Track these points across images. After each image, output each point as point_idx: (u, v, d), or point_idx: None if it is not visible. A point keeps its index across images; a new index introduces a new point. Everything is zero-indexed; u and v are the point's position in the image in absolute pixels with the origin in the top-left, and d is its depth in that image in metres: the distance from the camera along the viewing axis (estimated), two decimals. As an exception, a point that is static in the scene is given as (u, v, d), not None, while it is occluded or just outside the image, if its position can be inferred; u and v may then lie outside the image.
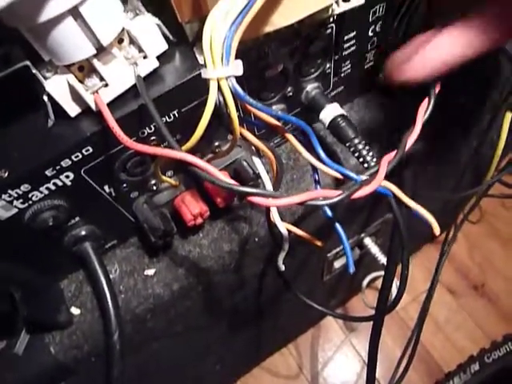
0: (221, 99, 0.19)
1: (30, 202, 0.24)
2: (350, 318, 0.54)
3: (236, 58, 0.18)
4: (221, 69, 0.18)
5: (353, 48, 0.31)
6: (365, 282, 0.76)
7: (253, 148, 0.25)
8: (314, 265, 0.54)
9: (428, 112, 0.24)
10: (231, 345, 0.54)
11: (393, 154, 0.22)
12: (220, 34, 0.18)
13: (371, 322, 0.38)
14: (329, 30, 0.28)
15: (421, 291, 0.95)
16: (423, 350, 0.91)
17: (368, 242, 0.57)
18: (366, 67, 0.34)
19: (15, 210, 0.24)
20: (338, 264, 0.60)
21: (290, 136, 0.22)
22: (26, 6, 0.18)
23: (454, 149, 0.47)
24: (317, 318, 0.88)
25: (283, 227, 0.24)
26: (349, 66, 0.32)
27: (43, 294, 0.30)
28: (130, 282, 0.32)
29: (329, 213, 0.24)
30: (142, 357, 0.34)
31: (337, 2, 0.23)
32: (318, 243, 0.27)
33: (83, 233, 0.28)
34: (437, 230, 0.23)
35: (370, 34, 0.31)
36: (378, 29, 0.31)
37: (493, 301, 0.94)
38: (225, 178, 0.19)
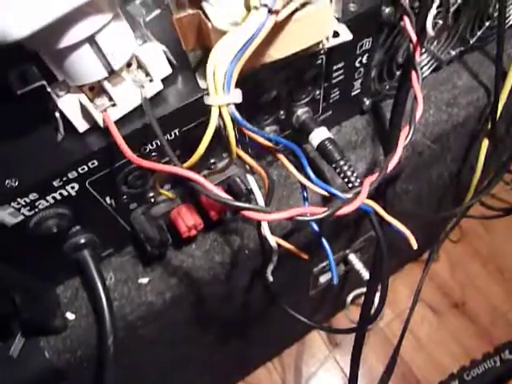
0: (220, 123, 0.21)
1: (36, 210, 0.26)
2: (333, 331, 0.55)
3: (235, 86, 0.21)
4: (222, 97, 0.20)
5: (341, 77, 0.33)
6: (349, 298, 0.78)
7: (246, 166, 0.27)
8: (301, 279, 0.56)
9: (408, 138, 0.26)
10: (217, 356, 0.55)
11: (375, 175, 0.25)
12: (222, 66, 0.20)
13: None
14: (319, 61, 0.30)
15: (404, 309, 0.97)
16: (405, 366, 0.93)
17: (353, 258, 0.59)
18: (352, 94, 0.36)
19: (21, 217, 0.26)
20: (323, 279, 0.62)
21: (281, 156, 0.24)
22: (48, 33, 0.20)
23: (434, 171, 0.50)
24: (302, 332, 0.89)
25: (273, 240, 0.26)
26: (337, 92, 0.35)
27: (40, 298, 0.31)
28: (124, 290, 0.33)
29: (315, 228, 0.26)
30: (131, 363, 0.35)
31: (327, 38, 0.26)
32: (305, 256, 0.29)
33: (82, 240, 0.30)
34: (413, 243, 0.25)
35: (357, 64, 0.33)
36: (364, 60, 0.33)
37: (473, 319, 0.97)
38: (221, 193, 0.21)
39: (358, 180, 0.31)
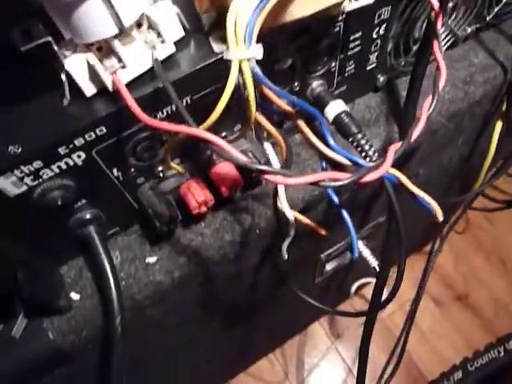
0: (240, 80, 0.20)
1: (40, 180, 0.24)
2: (343, 313, 0.54)
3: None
4: (243, 50, 0.18)
5: (357, 48, 0.32)
6: (353, 288, 0.77)
7: (262, 136, 0.25)
8: (307, 266, 0.54)
9: (432, 107, 0.25)
10: (222, 342, 0.54)
11: (399, 144, 0.23)
12: (244, 18, 0.19)
13: (357, 331, 0.38)
14: (337, 29, 0.29)
15: (406, 300, 0.96)
16: (407, 358, 0.92)
17: (360, 245, 0.58)
18: (368, 68, 0.35)
19: (25, 188, 0.24)
20: (329, 267, 0.61)
21: (301, 122, 0.23)
22: (56, -19, 0.18)
23: (446, 154, 0.49)
24: (307, 320, 0.88)
25: (290, 213, 0.24)
26: (353, 66, 0.33)
27: (44, 277, 0.30)
28: (131, 269, 0.32)
29: (335, 199, 0.25)
30: (137, 344, 0.34)
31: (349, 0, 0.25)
32: (322, 232, 0.27)
33: (88, 216, 0.29)
34: (439, 213, 0.24)
35: (374, 35, 0.32)
36: (381, 31, 0.32)
37: (476, 311, 0.96)
38: (241, 155, 0.19)
39: (376, 154, 0.30)
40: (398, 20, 0.33)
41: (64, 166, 0.24)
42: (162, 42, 0.24)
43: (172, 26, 0.24)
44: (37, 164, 0.23)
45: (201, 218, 0.33)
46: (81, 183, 0.26)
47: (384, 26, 0.32)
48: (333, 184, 0.20)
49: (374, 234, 0.59)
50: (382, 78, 0.37)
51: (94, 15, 0.20)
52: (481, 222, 1.05)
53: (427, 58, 0.31)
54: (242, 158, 0.19)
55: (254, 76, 0.19)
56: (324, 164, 0.26)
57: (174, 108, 0.26)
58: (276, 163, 0.24)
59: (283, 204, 0.24)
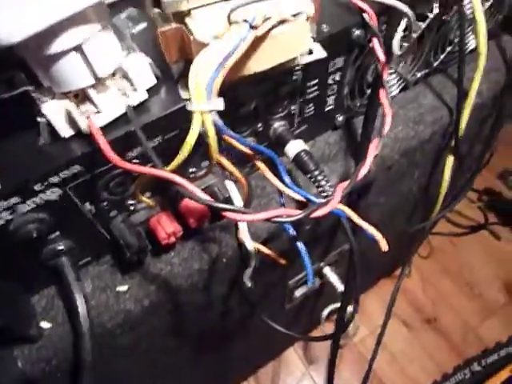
0: (202, 129, 0.22)
1: (17, 214, 0.26)
2: (309, 339, 0.56)
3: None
4: (205, 103, 0.21)
5: (315, 93, 0.35)
6: (324, 314, 0.79)
7: (226, 173, 0.28)
8: (276, 293, 0.56)
9: (378, 148, 0.28)
10: (193, 371, 0.55)
11: (346, 182, 0.26)
12: (205, 73, 0.21)
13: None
14: (295, 77, 0.32)
15: (378, 325, 0.98)
16: (379, 381, 0.94)
17: (327, 271, 0.61)
18: (326, 110, 0.38)
19: (1, 222, 0.26)
20: (298, 293, 0.62)
21: (260, 164, 0.26)
22: (37, 40, 0.21)
23: (404, 185, 0.52)
24: (279, 347, 0.89)
25: (251, 244, 0.27)
26: (312, 108, 0.37)
27: (15, 306, 0.31)
28: (102, 298, 0.33)
29: (292, 232, 0.27)
30: (107, 372, 0.35)
31: (303, 54, 0.28)
32: (283, 261, 0.30)
33: (61, 247, 0.30)
34: (384, 244, 0.26)
35: (330, 81, 0.35)
36: (337, 78, 0.35)
37: (444, 334, 0.99)
38: (204, 195, 0.22)
39: (332, 189, 0.33)
40: (352, 67, 0.36)
41: (39, 201, 0.26)
42: (134, 89, 0.26)
43: (144, 75, 0.26)
44: (14, 200, 0.25)
45: (170, 247, 0.35)
46: (55, 216, 0.28)
47: (339, 73, 0.35)
48: (285, 220, 0.23)
49: (340, 260, 0.61)
50: (340, 118, 0.40)
51: (71, 67, 0.23)
52: (446, 247, 1.09)
53: (377, 103, 0.34)
54: (204, 198, 0.22)
55: (216, 125, 0.22)
56: (282, 200, 0.29)
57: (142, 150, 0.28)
58: (237, 199, 0.26)
59: (244, 237, 0.26)
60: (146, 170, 0.22)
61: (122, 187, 0.30)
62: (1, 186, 0.24)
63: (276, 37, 0.24)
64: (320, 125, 0.40)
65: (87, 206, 0.29)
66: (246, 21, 0.22)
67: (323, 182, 0.33)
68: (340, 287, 0.60)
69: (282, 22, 0.24)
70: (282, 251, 0.37)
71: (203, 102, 0.21)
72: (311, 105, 0.36)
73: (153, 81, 0.27)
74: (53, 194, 0.26)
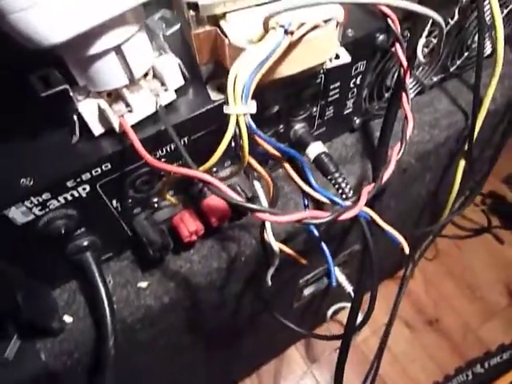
0: (236, 131, 0.23)
1: (47, 210, 0.26)
2: (321, 337, 0.56)
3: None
4: (240, 107, 0.22)
5: (336, 96, 0.36)
6: (329, 313, 0.80)
7: (253, 173, 0.28)
8: (287, 291, 0.57)
9: (400, 153, 0.29)
10: (204, 368, 0.56)
11: (371, 185, 0.27)
12: (242, 78, 0.22)
13: (332, 355, 0.41)
14: (318, 80, 0.33)
15: (381, 325, 0.99)
16: (381, 381, 0.94)
17: (336, 271, 0.61)
18: (345, 112, 0.39)
19: (32, 217, 0.26)
20: (307, 292, 0.63)
21: (286, 165, 0.26)
22: (78, 40, 0.21)
23: (415, 189, 0.53)
24: (284, 344, 0.90)
25: (276, 244, 0.27)
26: (332, 110, 0.37)
27: (39, 299, 0.31)
28: (123, 293, 0.34)
29: (316, 232, 0.28)
30: (127, 367, 0.35)
31: (330, 59, 0.28)
32: (303, 261, 0.30)
33: (86, 243, 0.31)
34: (406, 247, 0.27)
35: (351, 85, 0.36)
36: (357, 81, 0.36)
37: (446, 336, 1.00)
38: (235, 195, 0.22)
39: (352, 191, 0.33)
40: (373, 71, 0.37)
41: (69, 198, 0.27)
42: (165, 89, 0.27)
43: (174, 76, 0.27)
44: (46, 196, 0.25)
45: (190, 245, 0.36)
46: (82, 213, 0.28)
47: (360, 77, 0.36)
48: (314, 221, 0.23)
49: (349, 261, 0.62)
50: (357, 121, 0.41)
51: (109, 68, 0.23)
52: (450, 250, 1.10)
53: (397, 107, 0.35)
54: (236, 198, 0.22)
55: (248, 127, 0.22)
56: (306, 201, 0.29)
57: (172, 147, 0.28)
58: (263, 200, 0.27)
59: (269, 236, 0.27)
60: (181, 169, 0.23)
61: (148, 185, 0.30)
62: (33, 181, 0.25)
63: (308, 42, 0.25)
64: (338, 127, 0.41)
65: (114, 203, 0.30)
66: (282, 26, 0.22)
67: (343, 185, 0.33)
68: (349, 288, 0.60)
69: (314, 27, 0.24)
70: (299, 251, 0.37)
71: (240, 106, 0.22)
72: (331, 107, 0.37)
73: (181, 81, 0.27)
74: (83, 191, 0.27)
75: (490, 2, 0.35)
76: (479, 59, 0.38)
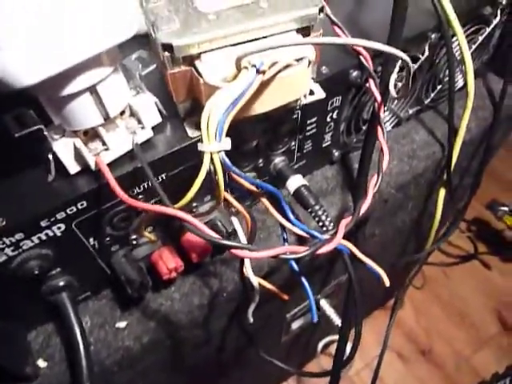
0: (211, 167, 0.23)
1: (20, 251, 0.26)
2: (308, 374, 0.55)
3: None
4: (215, 144, 0.22)
5: (313, 130, 0.36)
6: (319, 346, 0.78)
7: (231, 209, 0.28)
8: (274, 326, 0.56)
9: (377, 185, 0.29)
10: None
11: (349, 218, 0.27)
12: (216, 117, 0.22)
13: None
14: (295, 116, 0.33)
15: (373, 356, 0.97)
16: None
17: (324, 303, 0.60)
18: (324, 146, 0.40)
19: (4, 258, 0.25)
20: (295, 325, 0.62)
21: (263, 199, 0.26)
22: (52, 81, 0.21)
23: (398, 218, 0.53)
24: (274, 381, 0.87)
25: (255, 280, 0.27)
26: (310, 144, 0.38)
27: (12, 343, 0.30)
28: (100, 334, 0.32)
29: (295, 267, 0.27)
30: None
31: (304, 96, 0.29)
32: (285, 297, 0.30)
33: (61, 283, 0.30)
34: (386, 280, 0.27)
35: (328, 119, 0.37)
36: (334, 116, 0.37)
37: (438, 365, 0.98)
38: (212, 232, 0.22)
39: (332, 224, 0.33)
40: (349, 105, 0.38)
41: (44, 237, 0.26)
42: (142, 127, 0.27)
43: (150, 114, 0.27)
44: (19, 236, 0.25)
45: (171, 282, 0.35)
46: (58, 252, 0.28)
47: (336, 111, 0.36)
48: (292, 256, 0.23)
49: (336, 292, 0.61)
50: (336, 153, 0.42)
51: (84, 107, 0.23)
52: (438, 277, 1.10)
53: (373, 140, 0.35)
54: (212, 235, 0.22)
55: (223, 164, 0.22)
56: (285, 235, 0.29)
57: (150, 184, 0.28)
58: (242, 235, 0.27)
59: (249, 272, 0.27)
60: (156, 208, 0.23)
61: (126, 222, 0.30)
62: (5, 222, 0.24)
63: (281, 80, 0.25)
64: (318, 160, 0.41)
65: (91, 241, 0.29)
66: (254, 66, 0.23)
67: (323, 217, 0.33)
68: (337, 321, 0.59)
69: (287, 66, 0.25)
70: (282, 285, 0.37)
71: (214, 143, 0.22)
72: (309, 141, 0.37)
73: (158, 119, 0.28)
74: (58, 230, 0.26)
75: (458, 39, 0.37)
76: (451, 93, 0.40)
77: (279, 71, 0.25)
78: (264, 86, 0.25)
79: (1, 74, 0.19)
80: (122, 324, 0.33)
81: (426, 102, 0.46)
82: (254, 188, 0.25)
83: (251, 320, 0.31)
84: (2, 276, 0.26)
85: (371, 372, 0.72)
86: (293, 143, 0.36)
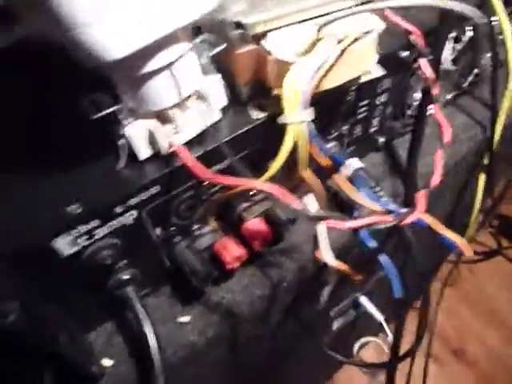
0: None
1: (93, 240, 0.25)
2: (368, 365, 0.53)
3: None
4: (300, 114, 0.21)
5: (364, 114, 0.36)
6: (356, 348, 0.76)
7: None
8: (319, 324, 0.54)
9: (443, 157, 0.28)
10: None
11: (423, 190, 0.26)
12: (298, 88, 0.22)
13: None
14: (350, 97, 0.33)
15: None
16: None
17: (364, 300, 0.59)
18: (370, 131, 0.39)
19: (78, 247, 0.25)
20: (335, 325, 0.61)
21: (338, 176, 0.26)
22: (134, 59, 0.21)
23: (437, 207, 0.53)
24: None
25: (333, 260, 0.26)
26: (359, 129, 0.37)
27: (79, 341, 0.29)
28: (163, 331, 0.31)
29: (374, 244, 0.27)
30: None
31: (366, 72, 0.29)
32: (358, 277, 0.29)
33: (127, 276, 0.29)
34: (468, 250, 0.26)
35: (377, 102, 0.36)
36: (383, 99, 0.37)
37: (472, 365, 0.96)
38: (298, 203, 0.21)
39: (395, 204, 0.33)
40: (396, 88, 0.38)
41: (116, 225, 0.26)
42: (211, 109, 0.27)
43: (219, 96, 0.27)
44: (94, 223, 0.24)
45: (231, 274, 0.34)
46: (126, 243, 0.27)
47: (385, 94, 0.36)
48: (385, 225, 0.22)
49: (376, 289, 0.60)
50: (381, 139, 0.41)
51: (161, 86, 0.23)
52: (464, 275, 1.08)
53: (424, 120, 0.35)
54: (302, 206, 0.21)
55: (308, 135, 0.22)
56: (356, 213, 0.29)
57: (218, 167, 0.28)
58: (320, 211, 0.26)
59: (325, 252, 0.26)
60: (243, 181, 0.22)
61: (190, 211, 0.29)
62: (81, 209, 0.23)
63: (350, 53, 0.25)
64: (365, 146, 0.41)
65: (157, 231, 0.29)
66: (331, 37, 0.23)
67: (385, 198, 0.33)
68: (379, 317, 0.58)
69: (357, 39, 0.25)
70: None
71: (298, 113, 0.21)
72: (359, 126, 0.37)
73: (225, 101, 0.27)
74: (130, 218, 0.26)
75: (499, 18, 0.37)
76: (495, 69, 0.40)
77: (351, 43, 0.24)
78: (336, 58, 0.25)
79: (91, 48, 0.19)
80: (185, 319, 0.32)
81: (464, 85, 0.46)
82: (329, 162, 0.25)
83: (325, 299, 0.29)
84: (72, 268, 0.25)
85: (404, 375, 0.70)
86: (345, 127, 0.35)
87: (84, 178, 0.25)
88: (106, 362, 0.30)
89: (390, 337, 0.62)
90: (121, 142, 0.25)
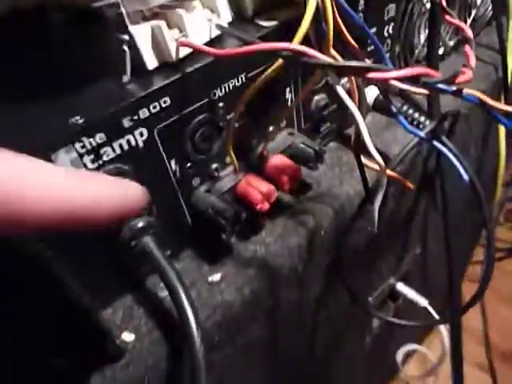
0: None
1: (100, 162, 0.21)
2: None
3: None
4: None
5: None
6: (399, 358, 0.68)
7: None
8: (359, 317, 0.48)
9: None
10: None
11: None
12: None
13: None
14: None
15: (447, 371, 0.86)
16: None
17: (401, 287, 0.53)
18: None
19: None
20: (375, 324, 0.54)
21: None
22: None
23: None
24: None
25: (379, 158, 0.22)
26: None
27: (91, 319, 0.24)
28: (192, 294, 0.26)
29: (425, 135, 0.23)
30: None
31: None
32: (411, 185, 0.25)
33: (141, 224, 0.25)
34: None
35: (386, 34, 0.35)
36: (390, 30, 0.35)
37: (526, 369, 0.87)
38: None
39: (428, 119, 0.30)
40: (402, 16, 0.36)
41: (126, 146, 0.22)
42: (218, 16, 0.24)
43: (225, 8, 0.25)
44: (99, 138, 0.21)
45: (260, 224, 0.30)
46: (138, 170, 0.23)
47: (392, 24, 0.35)
48: (435, 80, 0.19)
49: (411, 272, 0.55)
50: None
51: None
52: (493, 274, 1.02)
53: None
54: (339, 60, 0.18)
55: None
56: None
57: (228, 86, 0.25)
58: (352, 105, 0.23)
59: (372, 151, 0.22)
60: (270, 46, 0.19)
61: (208, 142, 0.26)
62: (84, 119, 0.20)
63: None
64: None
65: (173, 164, 0.25)
66: None
67: (416, 115, 0.30)
68: (422, 302, 0.52)
69: None
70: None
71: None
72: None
73: (230, 16, 0.25)
74: (140, 138, 0.22)
75: None
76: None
77: None
78: None
79: None
80: (216, 277, 0.27)
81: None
82: (356, 46, 0.22)
83: (377, 211, 0.24)
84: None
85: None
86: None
87: (88, 91, 0.22)
88: (127, 337, 0.25)
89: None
90: (125, 48, 0.22)
